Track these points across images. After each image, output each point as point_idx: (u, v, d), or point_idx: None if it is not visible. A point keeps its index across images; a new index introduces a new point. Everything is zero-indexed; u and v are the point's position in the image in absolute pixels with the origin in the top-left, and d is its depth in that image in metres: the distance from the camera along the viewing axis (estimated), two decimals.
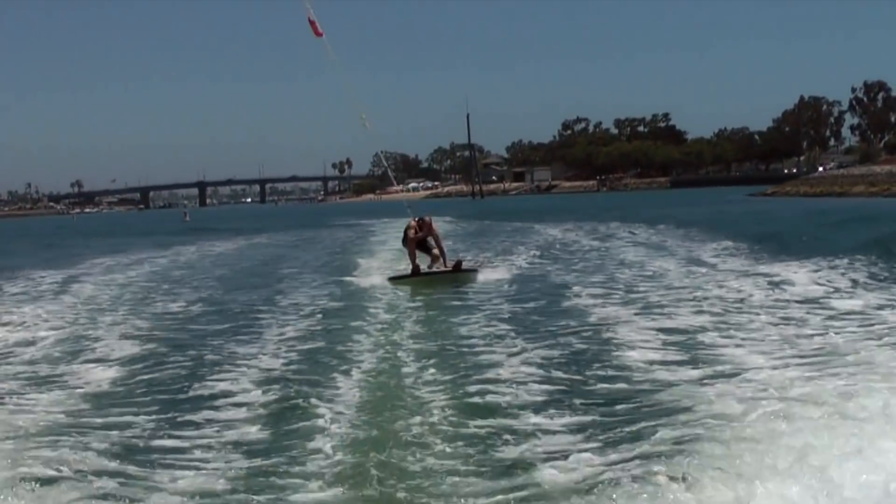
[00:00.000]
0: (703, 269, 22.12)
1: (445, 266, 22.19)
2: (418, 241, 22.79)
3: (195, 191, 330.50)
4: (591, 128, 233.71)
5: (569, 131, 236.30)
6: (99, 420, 9.83)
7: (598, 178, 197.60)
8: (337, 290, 21.05)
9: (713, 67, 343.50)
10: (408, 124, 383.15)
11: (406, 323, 15.57)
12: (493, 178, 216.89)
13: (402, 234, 23.43)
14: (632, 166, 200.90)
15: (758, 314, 14.69)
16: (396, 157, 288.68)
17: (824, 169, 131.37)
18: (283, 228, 63.46)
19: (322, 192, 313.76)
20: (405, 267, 22.92)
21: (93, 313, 19.01)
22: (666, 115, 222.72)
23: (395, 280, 21.79)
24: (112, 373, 12.46)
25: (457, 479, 7.26)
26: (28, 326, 17.13)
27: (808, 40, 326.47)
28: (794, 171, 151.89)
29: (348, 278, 23.28)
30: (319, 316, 16.51)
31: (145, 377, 11.92)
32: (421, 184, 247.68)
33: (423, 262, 22.72)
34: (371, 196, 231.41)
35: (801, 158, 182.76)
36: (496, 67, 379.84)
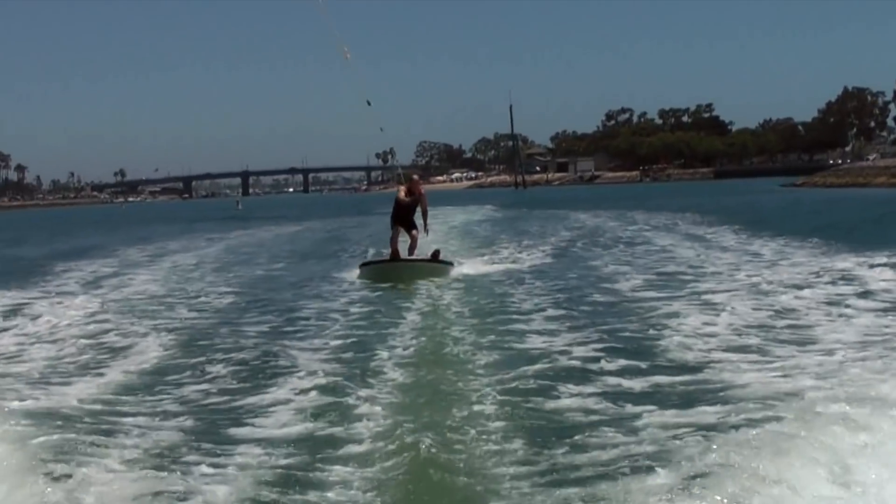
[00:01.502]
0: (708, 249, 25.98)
1: (425, 231, 22.44)
2: (407, 207, 22.36)
3: (237, 180, 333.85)
4: (634, 118, 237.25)
5: (612, 122, 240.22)
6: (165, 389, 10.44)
7: (641, 168, 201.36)
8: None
9: (757, 58, 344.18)
10: (452, 115, 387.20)
11: (450, 312, 15.42)
12: (537, 168, 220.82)
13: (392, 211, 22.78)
14: (675, 157, 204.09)
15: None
16: (440, 147, 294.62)
17: (871, 160, 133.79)
18: (333, 215, 68.62)
19: (365, 182, 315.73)
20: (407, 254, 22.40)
21: (184, 278, 24.73)
22: (709, 106, 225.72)
23: (369, 266, 21.40)
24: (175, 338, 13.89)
25: (509, 472, 6.93)
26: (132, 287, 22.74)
27: (853, 30, 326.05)
28: (840, 161, 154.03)
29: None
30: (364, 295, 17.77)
31: (192, 358, 12.18)
32: (465, 174, 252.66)
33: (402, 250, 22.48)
34: None
35: (847, 149, 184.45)
36: (541, 58, 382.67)
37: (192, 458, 7.54)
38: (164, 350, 12.81)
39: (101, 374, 11.38)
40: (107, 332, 14.64)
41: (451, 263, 21.84)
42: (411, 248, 22.19)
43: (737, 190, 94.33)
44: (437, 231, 39.22)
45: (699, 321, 12.95)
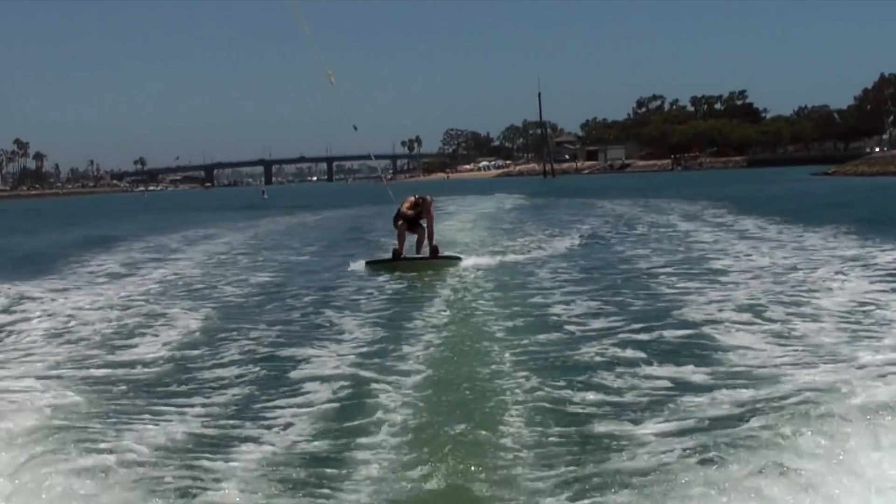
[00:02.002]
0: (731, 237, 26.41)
1: (430, 244, 21.80)
2: (409, 219, 21.93)
3: (259, 168, 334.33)
4: (666, 106, 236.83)
5: (643, 109, 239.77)
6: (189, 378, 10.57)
7: (672, 157, 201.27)
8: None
9: (793, 43, 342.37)
10: (479, 102, 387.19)
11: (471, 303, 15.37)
12: (566, 156, 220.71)
13: (407, 212, 22.28)
14: (707, 145, 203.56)
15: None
16: (467, 134, 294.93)
17: None
18: (360, 203, 69.36)
19: (391, 171, 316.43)
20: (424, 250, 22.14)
21: (229, 258, 26.53)
22: (743, 93, 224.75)
23: (374, 265, 21.02)
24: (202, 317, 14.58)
25: (538, 473, 6.88)
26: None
27: (890, 15, 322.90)
28: (876, 150, 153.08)
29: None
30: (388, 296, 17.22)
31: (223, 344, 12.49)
32: (493, 162, 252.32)
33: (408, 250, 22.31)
34: (441, 175, 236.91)
35: (885, 137, 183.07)
36: (570, 44, 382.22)
37: (212, 451, 7.60)
38: (188, 335, 13.21)
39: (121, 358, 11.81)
40: (129, 319, 14.94)
41: (457, 258, 21.46)
42: (419, 244, 21.81)
43: (768, 178, 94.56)
44: (462, 220, 40.64)
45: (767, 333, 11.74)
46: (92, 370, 10.89)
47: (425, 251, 21.60)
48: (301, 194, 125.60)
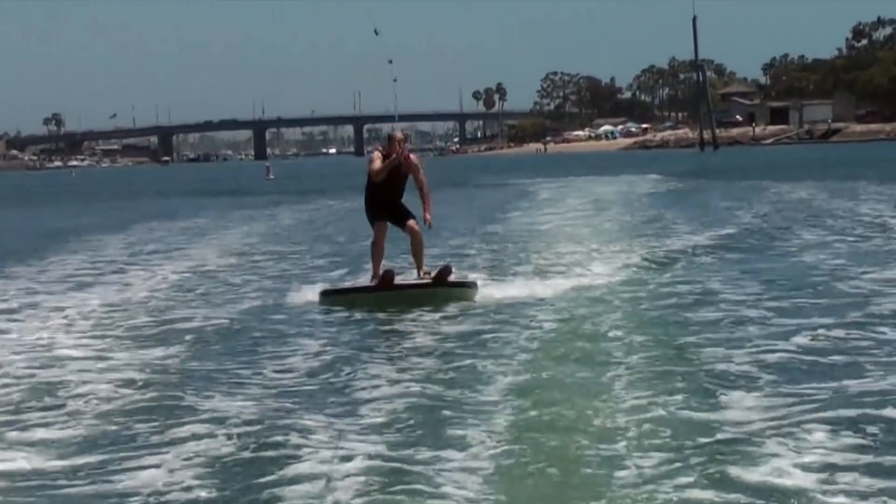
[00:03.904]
0: None
1: (426, 221, 20.34)
2: (390, 185, 19.87)
3: (245, 133, 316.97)
4: None
5: (864, 41, 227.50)
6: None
7: None
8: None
9: None
10: (597, 33, 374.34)
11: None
12: (737, 117, 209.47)
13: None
14: None
15: None
16: (579, 81, 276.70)
17: None
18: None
19: (457, 139, 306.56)
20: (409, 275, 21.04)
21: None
22: None
23: (331, 297, 19.84)
24: None
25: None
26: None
27: None
28: None
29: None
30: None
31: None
32: (619, 127, 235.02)
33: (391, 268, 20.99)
34: (537, 146, 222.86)
35: None
36: None
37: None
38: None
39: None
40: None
41: (471, 285, 19.84)
42: (416, 254, 20.13)
43: None
44: (555, 214, 39.46)
45: None
46: None
47: (427, 271, 19.91)
48: (319, 174, 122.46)
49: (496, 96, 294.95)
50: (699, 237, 28.30)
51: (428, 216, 20.11)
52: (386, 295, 19.18)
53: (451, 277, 19.69)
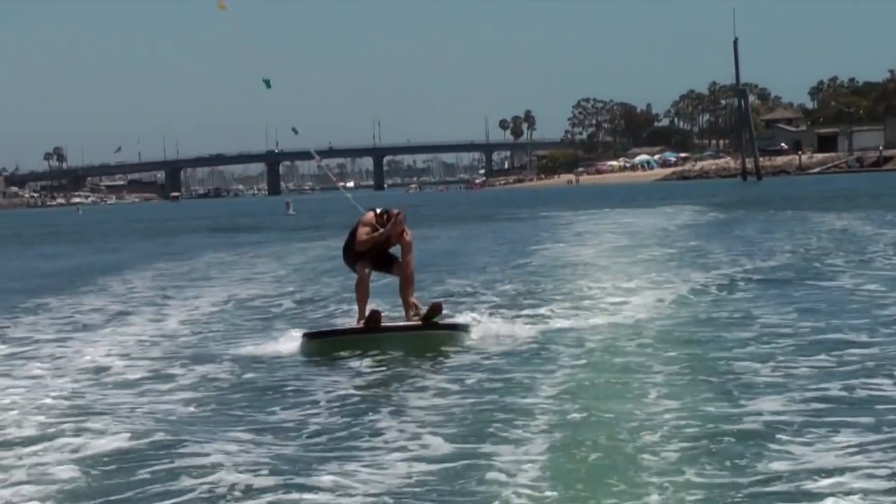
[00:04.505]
0: None
1: (412, 305, 20.10)
2: (376, 244, 19.98)
3: (257, 168, 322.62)
4: None
5: None
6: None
7: None
8: None
9: None
10: (633, 56, 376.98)
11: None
12: (782, 144, 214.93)
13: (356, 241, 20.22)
14: None
15: None
16: (613, 108, 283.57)
17: None
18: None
19: (483, 170, 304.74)
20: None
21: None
22: None
23: (315, 340, 19.61)
24: None
25: None
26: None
27: None
28: None
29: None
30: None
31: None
32: (656, 157, 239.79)
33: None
34: (569, 177, 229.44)
35: None
36: None
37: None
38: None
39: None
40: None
41: (463, 327, 19.62)
42: (404, 294, 19.94)
43: None
44: (592, 246, 40.37)
45: None
46: None
47: (416, 312, 19.77)
48: (342, 210, 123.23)
49: (524, 125, 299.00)
50: (736, 268, 28.89)
51: (413, 300, 19.62)
52: (373, 337, 18.91)
53: (445, 312, 19.57)
